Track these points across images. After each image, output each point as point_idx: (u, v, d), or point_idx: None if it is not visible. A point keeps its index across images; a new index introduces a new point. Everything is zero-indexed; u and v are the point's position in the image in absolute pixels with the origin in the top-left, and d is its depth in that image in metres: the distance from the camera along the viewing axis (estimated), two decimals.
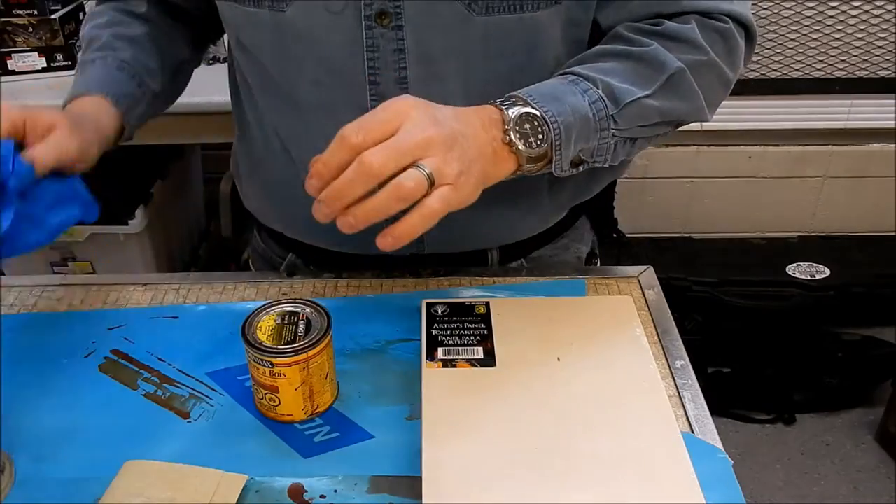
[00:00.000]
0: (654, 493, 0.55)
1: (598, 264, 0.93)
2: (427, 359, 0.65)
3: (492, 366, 0.65)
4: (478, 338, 0.68)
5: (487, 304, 0.72)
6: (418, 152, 0.52)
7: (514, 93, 0.61)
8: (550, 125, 0.59)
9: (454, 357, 0.66)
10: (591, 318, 0.72)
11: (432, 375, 0.64)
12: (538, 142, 0.59)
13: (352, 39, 0.65)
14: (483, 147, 0.57)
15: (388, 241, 0.53)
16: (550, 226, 0.82)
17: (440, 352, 0.66)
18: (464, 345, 0.67)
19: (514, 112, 0.59)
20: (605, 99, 0.62)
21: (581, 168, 0.64)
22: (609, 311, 0.73)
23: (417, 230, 0.52)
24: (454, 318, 0.70)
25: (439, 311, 0.71)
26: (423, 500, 0.54)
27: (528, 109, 0.59)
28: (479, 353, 0.66)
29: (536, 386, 0.64)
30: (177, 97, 0.86)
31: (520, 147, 0.59)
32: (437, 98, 0.66)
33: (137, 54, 0.76)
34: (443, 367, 0.65)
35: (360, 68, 0.66)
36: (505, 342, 0.67)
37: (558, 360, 0.66)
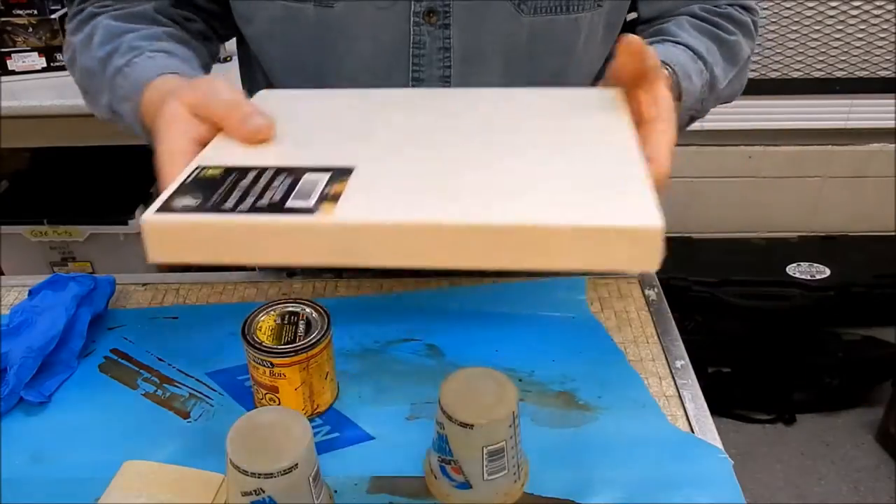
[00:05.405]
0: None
1: None
2: None
3: None
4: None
5: None
6: None
7: (666, 61, 0.63)
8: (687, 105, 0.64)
9: None
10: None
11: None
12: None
13: (398, 37, 0.65)
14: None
15: None
16: None
17: None
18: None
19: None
20: (707, 86, 0.66)
21: None
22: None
23: None
24: None
25: None
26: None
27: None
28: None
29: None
30: None
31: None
32: None
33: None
34: None
35: (405, 66, 0.66)
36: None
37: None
